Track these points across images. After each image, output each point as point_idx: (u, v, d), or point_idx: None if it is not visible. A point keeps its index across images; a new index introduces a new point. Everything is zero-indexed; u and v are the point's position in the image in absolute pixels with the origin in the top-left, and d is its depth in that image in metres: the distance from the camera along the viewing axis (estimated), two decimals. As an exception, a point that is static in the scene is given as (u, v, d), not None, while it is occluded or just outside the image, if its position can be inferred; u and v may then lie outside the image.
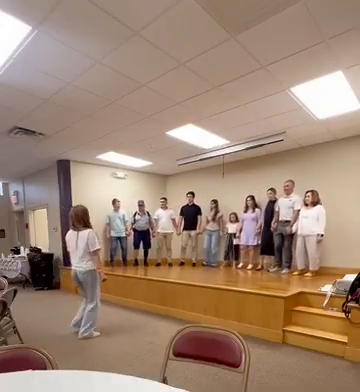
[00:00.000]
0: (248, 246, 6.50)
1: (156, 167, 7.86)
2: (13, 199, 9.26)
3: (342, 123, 4.83)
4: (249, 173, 6.94)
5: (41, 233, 8.29)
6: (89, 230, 3.65)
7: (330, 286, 3.70)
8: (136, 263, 7.44)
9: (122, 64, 3.09)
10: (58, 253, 7.21)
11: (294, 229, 5.51)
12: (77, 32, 2.59)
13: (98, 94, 3.72)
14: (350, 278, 3.44)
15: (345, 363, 2.94)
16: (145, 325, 4.24)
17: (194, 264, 7.30)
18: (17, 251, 8.02)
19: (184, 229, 7.38)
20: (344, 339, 3.09)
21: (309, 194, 5.27)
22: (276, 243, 5.84)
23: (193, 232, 7.29)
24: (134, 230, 7.41)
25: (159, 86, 3.55)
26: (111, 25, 2.50)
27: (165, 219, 7.39)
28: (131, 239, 7.46)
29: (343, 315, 3.15)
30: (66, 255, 6.89)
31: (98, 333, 3.81)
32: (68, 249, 3.82)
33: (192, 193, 7.37)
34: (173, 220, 7.45)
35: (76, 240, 3.66)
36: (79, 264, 3.67)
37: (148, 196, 8.08)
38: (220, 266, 7.04)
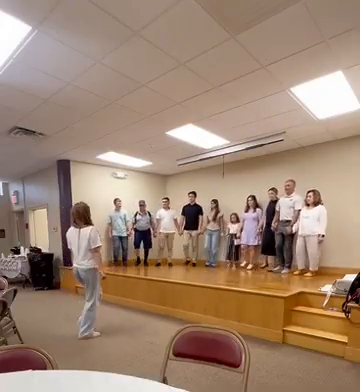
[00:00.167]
0: (249, 246, 6.50)
1: (156, 167, 7.86)
2: (13, 199, 9.26)
3: (342, 123, 4.83)
4: (249, 173, 6.94)
5: (41, 233, 8.29)
6: (91, 227, 3.65)
7: (330, 286, 3.70)
8: (138, 262, 7.48)
9: (122, 64, 3.09)
10: (58, 253, 7.21)
11: (294, 229, 5.51)
12: (77, 32, 2.58)
13: (98, 94, 3.72)
14: (350, 278, 3.44)
15: (345, 363, 2.94)
16: (145, 325, 4.24)
17: (194, 264, 7.31)
18: (17, 251, 8.02)
19: (185, 229, 7.38)
20: (344, 339, 3.09)
21: (311, 194, 5.27)
22: (277, 243, 5.84)
23: (194, 232, 7.30)
24: (135, 230, 7.42)
25: (159, 86, 3.55)
26: (111, 25, 2.50)
27: (167, 219, 7.40)
28: (132, 239, 7.47)
29: (343, 315, 3.15)
30: (66, 255, 6.92)
31: (98, 333, 3.82)
32: (69, 246, 3.82)
33: (194, 193, 7.37)
34: (175, 220, 7.45)
35: (78, 237, 3.66)
36: (81, 262, 3.67)
37: (148, 196, 8.07)
38: (223, 266, 7.02)
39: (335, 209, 5.47)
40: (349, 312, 3.08)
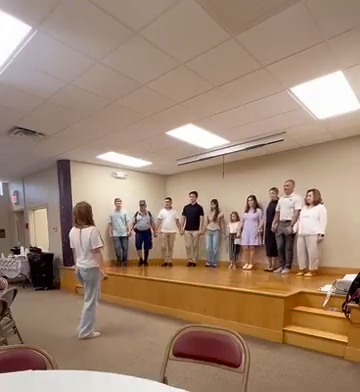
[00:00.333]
0: (249, 246, 6.50)
1: (156, 167, 7.86)
2: (13, 199, 9.26)
3: (342, 123, 4.83)
4: (249, 173, 6.94)
5: (41, 233, 8.29)
6: (92, 227, 3.64)
7: (330, 286, 3.70)
8: (141, 262, 7.48)
9: (122, 64, 3.09)
10: (58, 253, 7.21)
11: (295, 229, 5.51)
12: (77, 32, 2.58)
13: (98, 94, 3.72)
14: (350, 278, 3.44)
15: (345, 363, 2.94)
16: (145, 325, 4.24)
17: (194, 264, 7.31)
18: (17, 251, 8.02)
19: (186, 229, 7.38)
20: (344, 339, 3.08)
21: (311, 193, 5.26)
22: (279, 245, 5.83)
23: (195, 232, 7.29)
24: (135, 230, 7.42)
25: (159, 86, 3.55)
26: (111, 25, 2.50)
27: (169, 219, 7.39)
28: (132, 239, 7.47)
29: (343, 315, 3.14)
30: (66, 255, 6.92)
31: (98, 333, 3.81)
32: (71, 246, 3.82)
33: (195, 193, 7.36)
34: (176, 220, 7.45)
35: (79, 238, 3.65)
36: (82, 261, 3.67)
37: (148, 196, 8.07)
38: (223, 266, 7.02)
39: (335, 209, 5.47)
40: (349, 312, 3.08)
